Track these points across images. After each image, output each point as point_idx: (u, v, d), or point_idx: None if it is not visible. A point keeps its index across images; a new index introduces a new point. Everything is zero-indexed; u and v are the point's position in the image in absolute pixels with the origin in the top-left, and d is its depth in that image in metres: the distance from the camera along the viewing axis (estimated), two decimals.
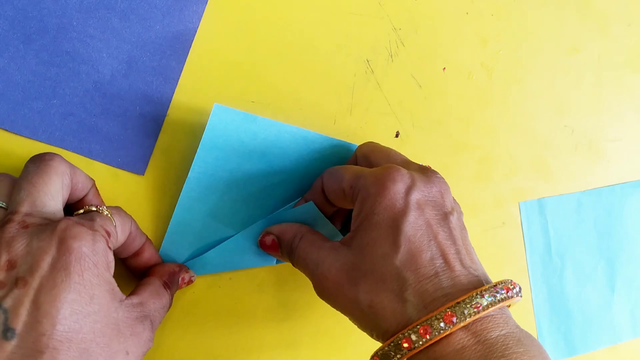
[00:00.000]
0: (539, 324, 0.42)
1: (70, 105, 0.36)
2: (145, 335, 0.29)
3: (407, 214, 0.29)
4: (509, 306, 0.29)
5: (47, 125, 0.36)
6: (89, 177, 0.33)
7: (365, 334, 0.39)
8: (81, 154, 0.36)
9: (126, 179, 0.37)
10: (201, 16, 0.38)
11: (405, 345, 0.27)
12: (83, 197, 0.33)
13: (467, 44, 0.42)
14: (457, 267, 0.28)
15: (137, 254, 0.34)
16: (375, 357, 0.29)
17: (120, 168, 0.37)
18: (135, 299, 0.30)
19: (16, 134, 0.36)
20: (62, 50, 0.36)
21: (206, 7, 0.38)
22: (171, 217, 0.36)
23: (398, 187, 0.30)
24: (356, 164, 0.36)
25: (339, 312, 0.39)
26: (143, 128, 0.37)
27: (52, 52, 0.36)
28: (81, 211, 0.30)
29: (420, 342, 0.26)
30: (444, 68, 0.41)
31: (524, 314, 0.42)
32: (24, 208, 0.28)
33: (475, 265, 0.29)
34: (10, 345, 0.24)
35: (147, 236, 0.35)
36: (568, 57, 0.43)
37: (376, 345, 0.31)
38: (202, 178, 0.36)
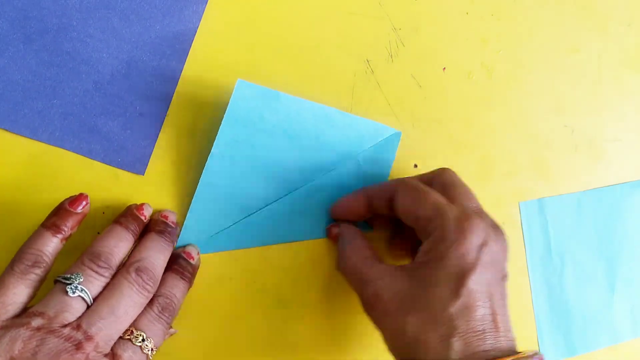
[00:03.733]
0: (539, 324, 0.42)
1: (70, 105, 0.36)
2: None
3: (475, 269, 0.31)
4: None
5: (47, 125, 0.36)
6: None
7: (364, 334, 0.39)
8: (81, 154, 0.36)
9: (126, 179, 0.37)
10: (201, 16, 0.38)
11: None
12: None
13: (467, 44, 0.42)
14: (501, 329, 0.30)
15: None
16: None
17: (120, 168, 0.37)
18: None
19: (16, 134, 0.36)
20: (62, 50, 0.36)
21: (206, 7, 0.38)
22: (194, 194, 0.36)
23: (475, 241, 0.31)
24: (429, 184, 0.35)
25: (338, 313, 0.39)
26: (143, 128, 0.37)
27: (52, 52, 0.36)
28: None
29: None
30: (444, 68, 0.41)
31: (524, 313, 0.42)
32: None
33: (511, 332, 0.31)
34: None
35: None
36: (568, 57, 0.43)
37: (379, 348, 0.31)
38: (225, 153, 0.36)
